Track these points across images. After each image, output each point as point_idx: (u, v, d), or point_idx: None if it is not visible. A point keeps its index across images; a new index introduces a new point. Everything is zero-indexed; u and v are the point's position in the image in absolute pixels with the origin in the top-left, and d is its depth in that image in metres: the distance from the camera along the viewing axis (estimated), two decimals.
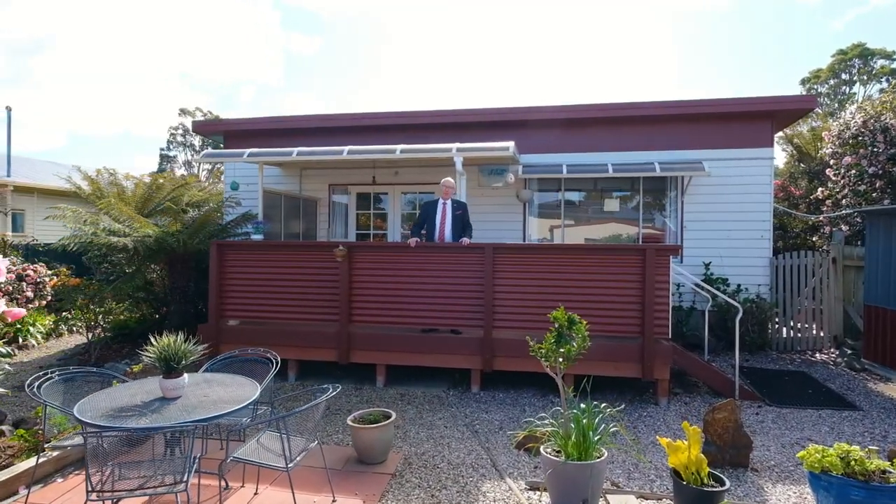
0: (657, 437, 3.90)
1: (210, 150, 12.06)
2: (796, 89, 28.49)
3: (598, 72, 69.85)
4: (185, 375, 3.24)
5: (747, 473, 3.86)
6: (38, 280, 8.08)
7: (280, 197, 8.76)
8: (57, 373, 3.47)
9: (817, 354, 7.59)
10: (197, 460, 2.93)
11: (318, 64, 75.26)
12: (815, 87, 27.12)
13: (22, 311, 4.00)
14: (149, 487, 2.73)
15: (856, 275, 7.82)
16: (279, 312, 6.33)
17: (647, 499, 3.48)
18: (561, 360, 3.36)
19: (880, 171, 8.35)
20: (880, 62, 25.36)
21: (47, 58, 62.69)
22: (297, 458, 3.13)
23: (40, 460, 3.52)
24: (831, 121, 13.13)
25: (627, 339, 5.50)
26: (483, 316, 5.73)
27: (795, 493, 3.58)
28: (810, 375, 6.52)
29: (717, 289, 7.34)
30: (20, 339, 7.59)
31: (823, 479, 2.91)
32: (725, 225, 8.07)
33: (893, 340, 6.45)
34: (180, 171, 33.21)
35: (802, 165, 13.37)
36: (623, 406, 4.73)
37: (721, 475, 3.12)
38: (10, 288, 7.61)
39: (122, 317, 8.24)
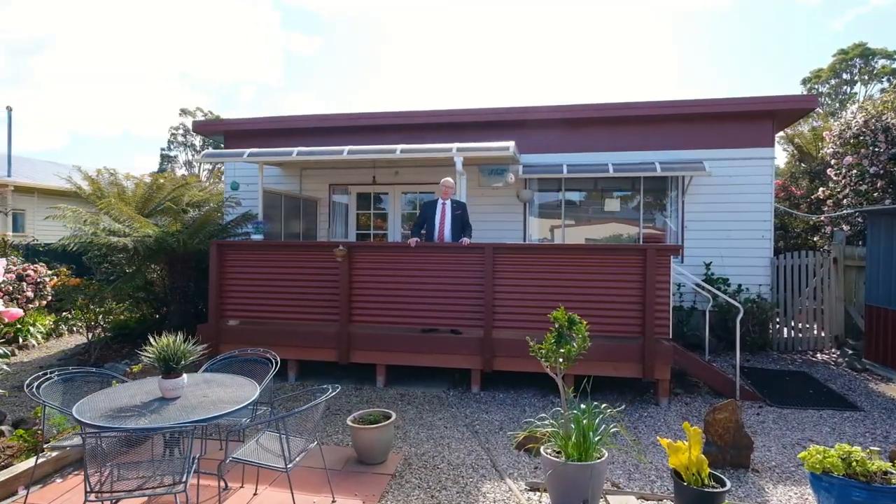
0: (658, 437, 3.89)
1: (210, 150, 12.07)
2: (797, 89, 28.51)
3: (598, 72, 69.88)
4: (185, 376, 3.23)
5: (748, 474, 3.85)
6: (39, 280, 8.08)
7: (280, 197, 8.76)
8: (56, 373, 3.47)
9: (818, 355, 7.58)
10: (196, 461, 2.92)
11: (318, 64, 75.35)
12: (816, 86, 27.11)
13: (19, 312, 3.99)
14: (148, 488, 2.72)
15: (857, 275, 7.80)
16: (279, 312, 6.32)
17: (647, 499, 3.47)
18: (561, 360, 3.35)
19: (881, 171, 8.33)
20: (881, 62, 25.35)
21: (47, 58, 62.82)
22: (297, 459, 3.12)
23: (39, 461, 3.51)
24: (832, 120, 13.11)
25: (628, 339, 5.49)
26: (483, 316, 5.72)
27: (796, 494, 3.57)
28: (811, 376, 6.50)
29: (718, 289, 7.33)
30: (20, 339, 7.60)
31: (825, 480, 2.90)
32: (726, 225, 8.06)
33: (895, 341, 6.43)
34: (181, 171, 33.24)
35: (803, 165, 13.34)
36: (623, 406, 4.71)
37: (722, 476, 3.11)
38: (11, 288, 7.61)
39: (122, 317, 8.24)
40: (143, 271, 7.81)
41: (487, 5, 73.43)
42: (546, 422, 3.46)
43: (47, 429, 3.52)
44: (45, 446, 3.61)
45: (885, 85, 23.39)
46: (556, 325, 3.43)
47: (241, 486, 3.55)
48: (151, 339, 3.20)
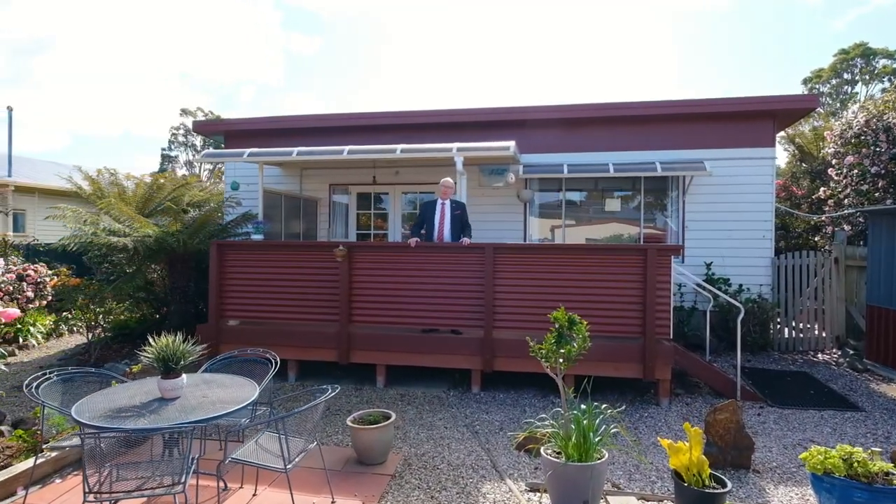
0: (658, 438, 3.88)
1: (210, 150, 12.07)
2: (797, 89, 28.50)
3: (598, 72, 69.87)
4: (184, 376, 3.23)
5: (749, 475, 3.84)
6: (39, 280, 8.09)
7: (280, 197, 8.76)
8: (56, 373, 3.46)
9: (819, 355, 7.56)
10: (195, 461, 2.92)
11: (318, 64, 75.42)
12: (817, 86, 27.10)
13: (16, 312, 3.99)
14: (147, 488, 2.72)
15: (858, 275, 7.78)
16: (279, 312, 6.32)
17: (648, 500, 3.46)
18: (561, 360, 3.34)
19: (883, 171, 8.32)
20: (882, 62, 25.34)
21: (48, 58, 62.94)
22: (296, 459, 3.11)
23: (38, 461, 3.51)
24: (833, 120, 13.10)
25: (628, 339, 5.48)
26: (483, 316, 5.71)
27: (797, 494, 3.56)
28: (812, 376, 6.49)
29: (719, 289, 7.31)
30: (20, 339, 7.60)
31: (826, 481, 2.89)
32: (727, 225, 8.05)
33: None
34: (182, 171, 33.28)
35: (804, 165, 13.32)
36: (624, 407, 4.70)
37: (722, 477, 3.10)
38: (11, 288, 7.62)
39: (122, 317, 8.24)
40: (144, 271, 7.80)
41: (487, 5, 73.47)
42: (546, 422, 3.45)
43: (46, 429, 3.52)
44: (44, 446, 3.61)
45: (887, 85, 23.39)
46: (557, 326, 3.42)
47: (241, 487, 3.55)
48: (151, 340, 3.19)
